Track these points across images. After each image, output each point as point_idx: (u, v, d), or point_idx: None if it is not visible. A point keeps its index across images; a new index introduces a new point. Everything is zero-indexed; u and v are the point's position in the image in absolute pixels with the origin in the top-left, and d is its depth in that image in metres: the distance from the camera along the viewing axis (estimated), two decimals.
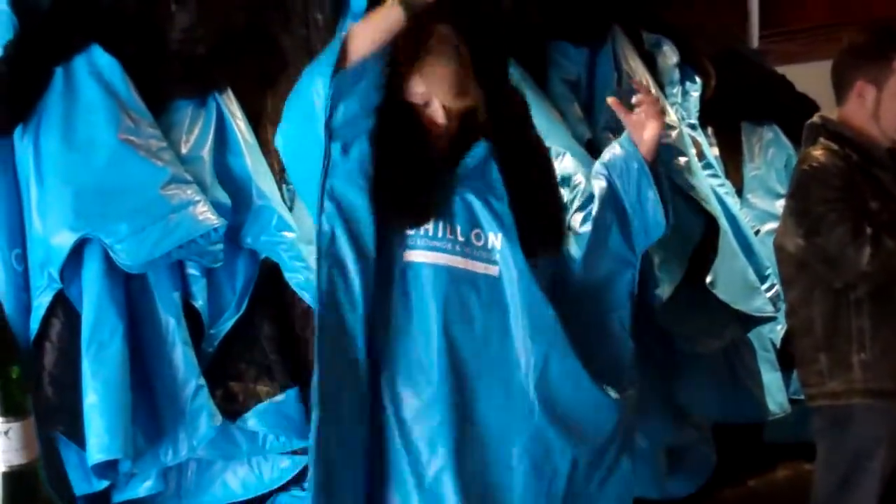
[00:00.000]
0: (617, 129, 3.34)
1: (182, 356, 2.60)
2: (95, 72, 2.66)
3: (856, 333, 2.76)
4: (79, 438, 2.48)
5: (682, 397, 3.45)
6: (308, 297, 2.75)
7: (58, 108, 2.63)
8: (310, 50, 3.11)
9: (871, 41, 2.84)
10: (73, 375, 2.51)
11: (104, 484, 2.55)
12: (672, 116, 3.44)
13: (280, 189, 2.92)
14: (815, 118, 2.94)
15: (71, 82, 2.65)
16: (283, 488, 2.78)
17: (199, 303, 2.69)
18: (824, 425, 2.87)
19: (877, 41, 2.83)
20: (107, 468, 2.51)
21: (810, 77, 3.98)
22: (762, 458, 3.77)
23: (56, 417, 2.51)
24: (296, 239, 2.79)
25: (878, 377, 2.75)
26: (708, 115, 3.74)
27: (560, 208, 2.44)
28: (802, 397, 3.04)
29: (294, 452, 2.76)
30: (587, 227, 2.43)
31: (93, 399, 2.46)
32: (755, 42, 4.49)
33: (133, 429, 2.50)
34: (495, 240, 2.32)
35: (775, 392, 3.59)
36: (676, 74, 3.67)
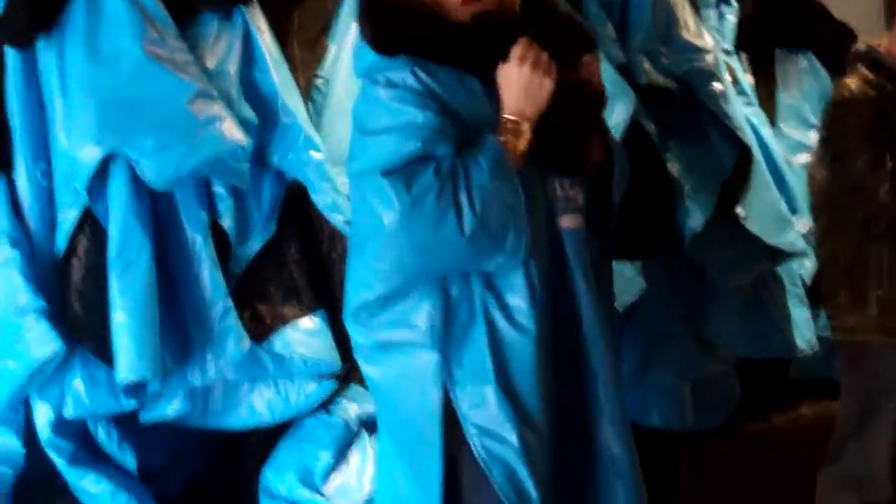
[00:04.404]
0: (651, 52, 3.28)
1: (209, 276, 2.56)
2: None
3: (875, 269, 2.73)
4: (106, 356, 2.45)
5: (710, 330, 3.42)
6: (335, 218, 2.70)
7: (81, 19, 2.55)
8: None
9: None
10: (100, 293, 2.47)
11: (132, 403, 2.52)
12: (707, 40, 3.36)
13: (306, 107, 2.85)
14: (861, 45, 2.90)
15: None
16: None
17: (227, 222, 2.64)
18: (844, 361, 2.87)
19: None
20: (135, 388, 2.48)
21: (849, 4, 3.90)
22: (787, 394, 3.75)
23: (83, 335, 2.49)
24: (323, 160, 2.72)
25: (895, 315, 2.72)
26: (741, 41, 3.65)
27: None
28: (830, 334, 3.02)
29: (320, 377, 2.71)
30: None
31: (121, 318, 2.43)
32: None
33: (161, 349, 2.47)
34: None
35: (803, 328, 3.55)
36: None
